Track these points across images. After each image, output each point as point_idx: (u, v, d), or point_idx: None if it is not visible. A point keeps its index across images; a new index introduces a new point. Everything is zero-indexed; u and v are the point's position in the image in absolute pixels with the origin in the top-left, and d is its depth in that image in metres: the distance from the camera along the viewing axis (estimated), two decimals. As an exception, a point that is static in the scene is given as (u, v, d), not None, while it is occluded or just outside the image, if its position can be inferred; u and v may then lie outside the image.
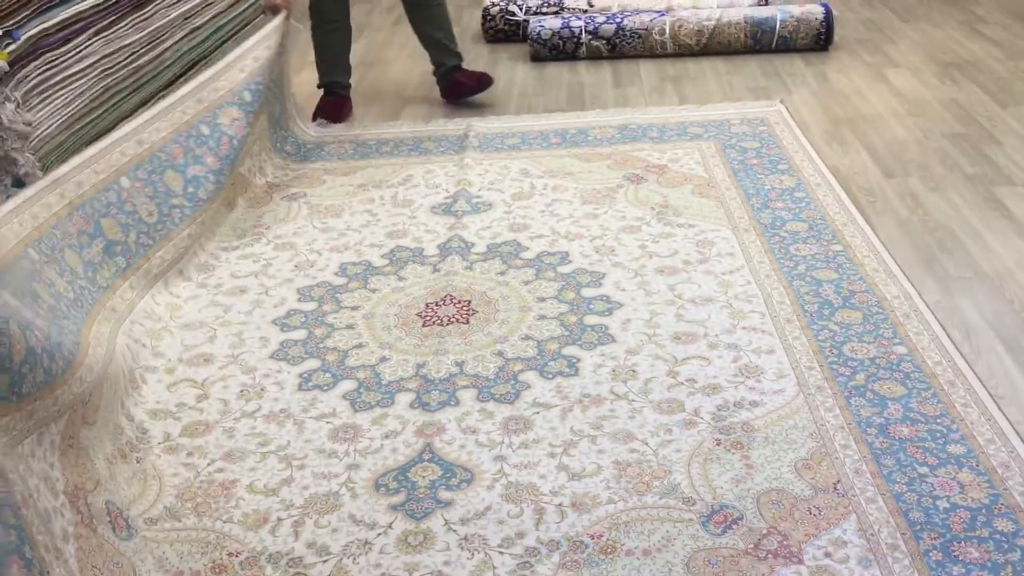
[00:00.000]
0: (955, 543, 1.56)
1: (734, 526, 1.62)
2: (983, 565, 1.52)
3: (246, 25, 4.46)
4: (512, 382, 2.03)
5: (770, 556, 1.56)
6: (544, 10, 4.24)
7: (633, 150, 3.09)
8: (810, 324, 2.15)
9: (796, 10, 3.89)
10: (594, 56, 3.97)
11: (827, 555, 1.55)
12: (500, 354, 2.13)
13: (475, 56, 4.13)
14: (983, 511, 1.62)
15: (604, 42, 3.95)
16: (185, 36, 3.45)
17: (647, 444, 1.83)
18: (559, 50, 3.98)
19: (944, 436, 1.79)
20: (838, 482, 1.70)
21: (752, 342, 2.11)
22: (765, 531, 1.61)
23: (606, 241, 2.56)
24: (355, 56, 4.26)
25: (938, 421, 1.83)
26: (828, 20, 3.85)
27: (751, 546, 1.58)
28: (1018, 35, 3.91)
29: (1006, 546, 1.55)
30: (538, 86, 3.76)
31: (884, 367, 1.99)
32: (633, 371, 2.04)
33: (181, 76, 3.44)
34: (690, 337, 2.14)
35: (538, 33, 3.99)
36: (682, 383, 1.99)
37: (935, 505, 1.64)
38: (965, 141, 3.03)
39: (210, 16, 3.73)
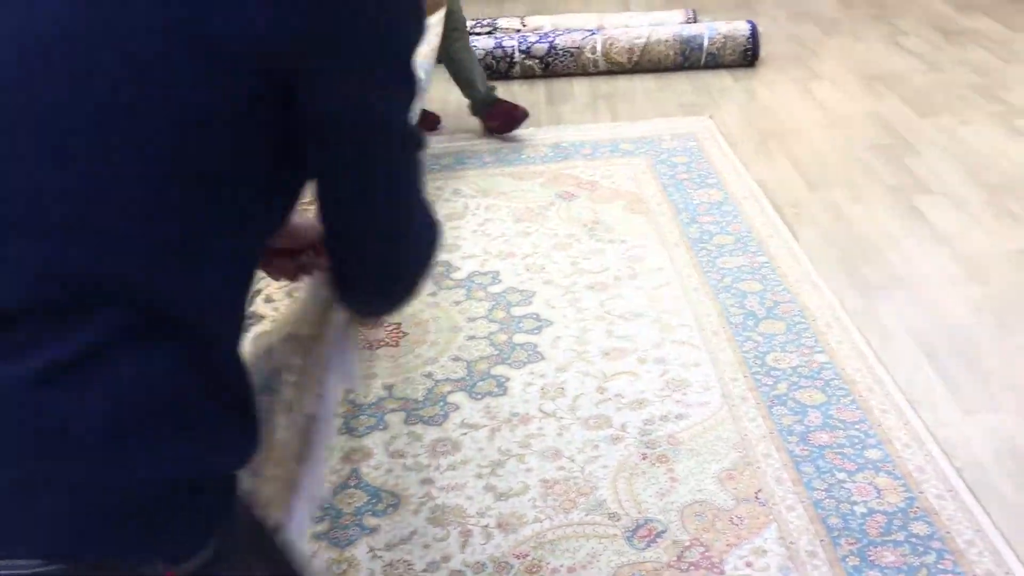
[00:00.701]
0: (871, 548, 1.59)
1: (658, 540, 1.64)
2: (899, 569, 1.55)
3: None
4: (441, 403, 2.03)
5: (692, 568, 1.58)
6: (477, 30, 4.27)
7: (566, 168, 3.12)
8: (735, 336, 2.19)
9: (723, 27, 3.97)
10: (528, 75, 4.00)
11: (748, 565, 1.58)
12: (429, 375, 2.13)
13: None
14: (899, 515, 1.66)
15: (537, 61, 3.98)
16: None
17: (574, 461, 1.84)
18: (493, 70, 4.00)
19: (862, 442, 1.83)
20: (759, 491, 1.73)
21: (679, 356, 2.14)
22: (688, 543, 1.63)
23: (537, 259, 2.58)
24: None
25: (856, 427, 1.87)
26: (754, 37, 3.93)
27: (674, 559, 1.60)
28: (937, 47, 4.03)
29: (921, 549, 1.59)
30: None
31: (806, 375, 2.03)
32: (562, 389, 2.06)
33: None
34: (619, 352, 2.17)
35: (472, 53, 4.02)
36: (610, 399, 2.01)
37: (852, 511, 1.67)
38: (886, 152, 3.11)
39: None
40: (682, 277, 2.44)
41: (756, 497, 1.71)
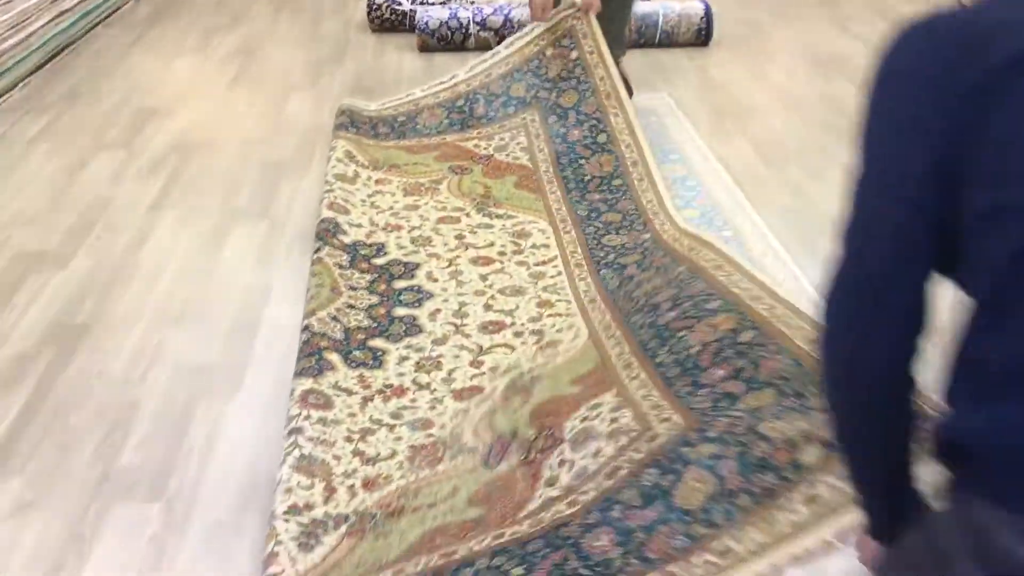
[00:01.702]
0: (703, 374, 1.62)
1: (508, 452, 1.68)
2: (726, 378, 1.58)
3: (117, 10, 4.25)
4: (316, 357, 1.97)
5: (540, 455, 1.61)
6: (431, 0, 4.22)
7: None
8: (706, 307, 2.21)
9: (678, 6, 3.99)
10: (483, 47, 3.96)
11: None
12: (307, 328, 2.06)
13: (360, 46, 4.07)
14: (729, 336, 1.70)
15: (492, 33, 3.95)
16: (52, 20, 3.26)
17: (444, 428, 1.82)
18: (447, 40, 3.95)
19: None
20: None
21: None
22: (533, 436, 1.67)
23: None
24: (233, 45, 4.14)
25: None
26: (708, 17, 3.96)
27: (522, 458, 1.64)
28: (883, 32, 4.12)
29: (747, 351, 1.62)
30: (426, 77, 3.73)
31: (777, 346, 2.07)
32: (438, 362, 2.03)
33: (47, 62, 3.25)
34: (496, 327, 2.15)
35: (425, 23, 3.96)
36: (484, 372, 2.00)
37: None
38: (840, 132, 3.18)
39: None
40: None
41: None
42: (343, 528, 1.56)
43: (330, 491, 1.64)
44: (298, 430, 1.75)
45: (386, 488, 1.66)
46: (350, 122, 3.08)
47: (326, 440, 1.74)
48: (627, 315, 2.02)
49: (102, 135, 3.20)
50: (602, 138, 2.90)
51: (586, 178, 2.77)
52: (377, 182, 2.77)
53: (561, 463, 1.54)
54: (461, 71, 3.24)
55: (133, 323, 2.19)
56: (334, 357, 1.98)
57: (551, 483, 1.52)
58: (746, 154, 3.03)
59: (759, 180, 2.86)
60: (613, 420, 1.57)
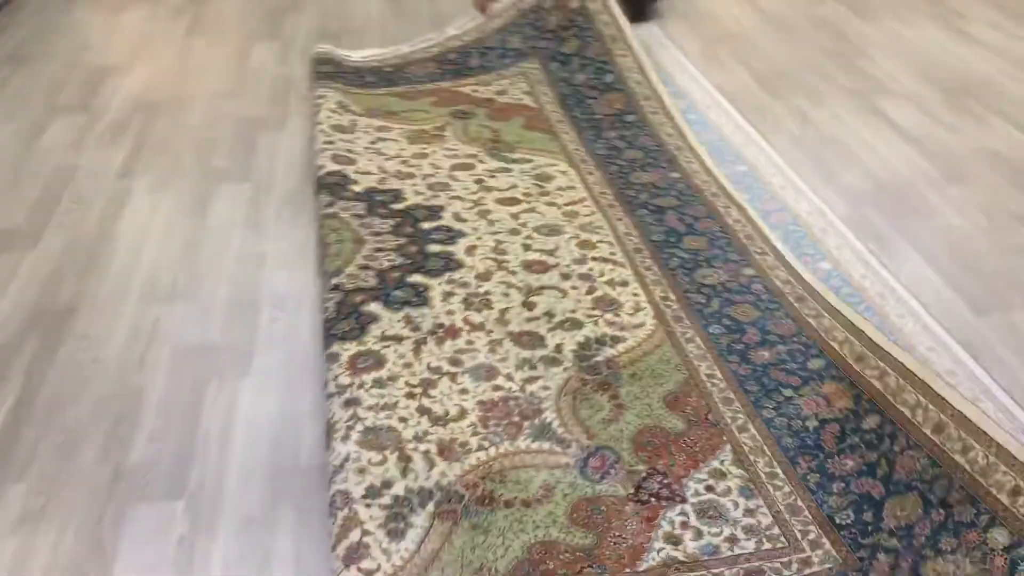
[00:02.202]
0: (829, 460, 1.55)
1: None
2: (860, 472, 1.52)
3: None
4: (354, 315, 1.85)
5: (653, 500, 1.50)
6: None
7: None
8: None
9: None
10: (452, -16, 3.75)
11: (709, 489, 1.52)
12: (336, 288, 1.93)
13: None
14: (851, 418, 1.61)
15: (461, -31, 3.73)
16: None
17: (513, 383, 1.71)
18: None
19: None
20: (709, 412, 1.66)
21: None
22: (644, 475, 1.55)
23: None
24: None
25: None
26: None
27: (630, 493, 1.52)
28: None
29: (876, 441, 1.55)
30: (397, 20, 3.52)
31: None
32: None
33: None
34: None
35: (389, -39, 3.73)
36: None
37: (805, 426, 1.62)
38: (837, 56, 3.06)
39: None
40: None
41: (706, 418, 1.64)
42: (430, 506, 1.45)
43: (405, 460, 1.53)
44: (355, 401, 1.63)
45: (465, 460, 1.54)
46: (335, 71, 2.89)
47: (387, 404, 1.63)
48: (685, 290, 1.95)
49: (55, 98, 2.95)
50: (609, 78, 2.77)
51: (596, 116, 2.64)
52: (378, 129, 2.61)
53: (684, 525, 1.45)
54: (451, 27, 3.06)
55: (121, 302, 2.01)
56: (373, 307, 1.86)
57: (672, 541, 1.43)
58: (745, 82, 2.90)
59: (762, 109, 2.74)
60: (748, 511, 1.48)
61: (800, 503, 1.49)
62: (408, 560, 1.37)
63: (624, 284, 1.97)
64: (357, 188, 2.29)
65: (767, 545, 1.44)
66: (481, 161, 2.47)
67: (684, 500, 1.49)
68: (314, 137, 2.53)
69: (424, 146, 2.53)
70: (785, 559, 1.42)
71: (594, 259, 2.05)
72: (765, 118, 2.69)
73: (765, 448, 1.58)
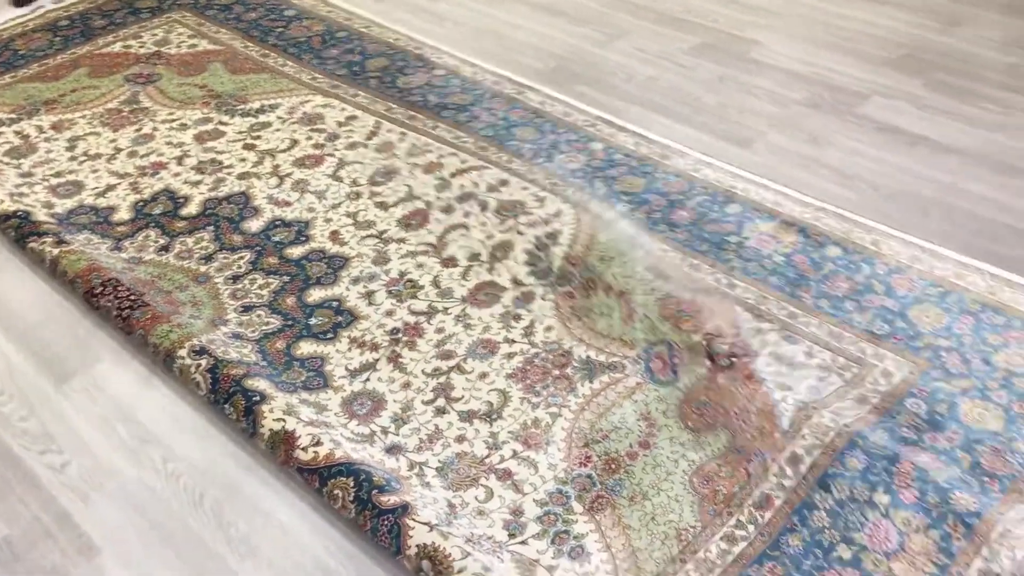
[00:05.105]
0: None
1: None
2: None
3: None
4: None
5: (732, 360, 1.50)
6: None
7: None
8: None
9: None
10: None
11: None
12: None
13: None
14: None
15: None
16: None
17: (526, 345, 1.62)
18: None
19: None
20: None
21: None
22: (704, 342, 1.55)
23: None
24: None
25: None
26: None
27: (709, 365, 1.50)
28: None
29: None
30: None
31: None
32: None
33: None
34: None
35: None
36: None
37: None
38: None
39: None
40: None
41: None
42: (575, 503, 1.33)
43: (507, 477, 1.37)
44: (397, 448, 1.41)
45: (551, 438, 1.42)
46: None
47: (431, 435, 1.44)
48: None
49: None
50: (290, 12, 2.59)
51: (299, 40, 2.45)
52: (53, 127, 2.11)
53: (779, 375, 1.43)
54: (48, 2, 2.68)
55: None
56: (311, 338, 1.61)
57: (785, 389, 1.40)
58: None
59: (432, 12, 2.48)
60: (807, 354, 1.46)
61: (834, 328, 1.51)
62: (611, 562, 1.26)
63: (505, 184, 1.86)
64: (104, 213, 1.84)
65: (847, 374, 1.43)
66: (223, 122, 2.10)
67: (755, 354, 1.46)
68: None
69: (134, 127, 2.10)
70: (871, 380, 1.42)
71: (453, 176, 1.89)
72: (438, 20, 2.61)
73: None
